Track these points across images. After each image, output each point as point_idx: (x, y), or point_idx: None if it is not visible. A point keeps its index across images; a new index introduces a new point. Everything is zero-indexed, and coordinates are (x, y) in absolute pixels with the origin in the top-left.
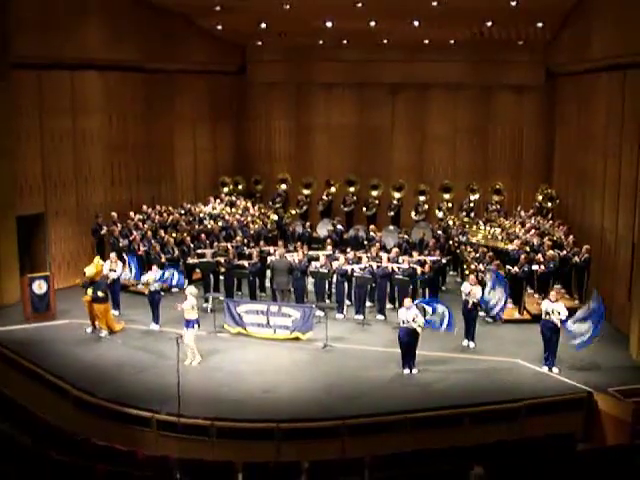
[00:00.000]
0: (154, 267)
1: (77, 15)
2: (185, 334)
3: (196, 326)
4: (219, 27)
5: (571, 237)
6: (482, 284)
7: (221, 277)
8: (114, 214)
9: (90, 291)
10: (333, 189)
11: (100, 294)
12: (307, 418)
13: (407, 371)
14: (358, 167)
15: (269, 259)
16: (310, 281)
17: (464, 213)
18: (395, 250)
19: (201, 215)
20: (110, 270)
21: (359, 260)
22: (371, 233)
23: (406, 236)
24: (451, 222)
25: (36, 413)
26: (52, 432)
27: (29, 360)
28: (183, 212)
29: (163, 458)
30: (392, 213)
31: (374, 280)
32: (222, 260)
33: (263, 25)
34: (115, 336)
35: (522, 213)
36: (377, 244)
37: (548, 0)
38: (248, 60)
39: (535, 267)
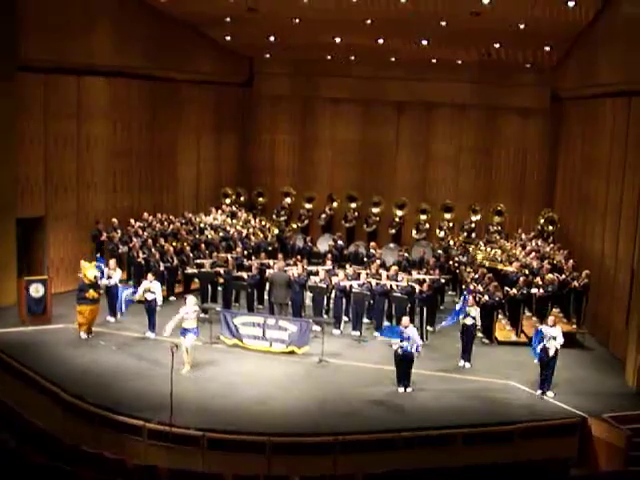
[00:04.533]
0: (149, 275)
1: (86, 20)
2: (184, 341)
3: (195, 335)
4: (228, 38)
5: (571, 261)
6: (479, 305)
7: (219, 288)
8: (115, 220)
9: (93, 292)
10: (335, 204)
11: (100, 292)
12: (299, 433)
13: (402, 389)
14: (361, 183)
15: (268, 272)
16: (308, 295)
17: (465, 233)
18: (394, 268)
19: (202, 225)
20: (107, 277)
21: (358, 276)
22: (371, 250)
23: (406, 254)
24: (452, 242)
25: (25, 416)
26: (41, 436)
27: (21, 363)
28: (184, 221)
29: (152, 468)
30: (393, 231)
31: (372, 297)
32: (221, 271)
33: (272, 38)
34: (110, 342)
35: (523, 236)
36: (377, 261)
37: (556, 24)
38: (255, 72)
39: (534, 290)
